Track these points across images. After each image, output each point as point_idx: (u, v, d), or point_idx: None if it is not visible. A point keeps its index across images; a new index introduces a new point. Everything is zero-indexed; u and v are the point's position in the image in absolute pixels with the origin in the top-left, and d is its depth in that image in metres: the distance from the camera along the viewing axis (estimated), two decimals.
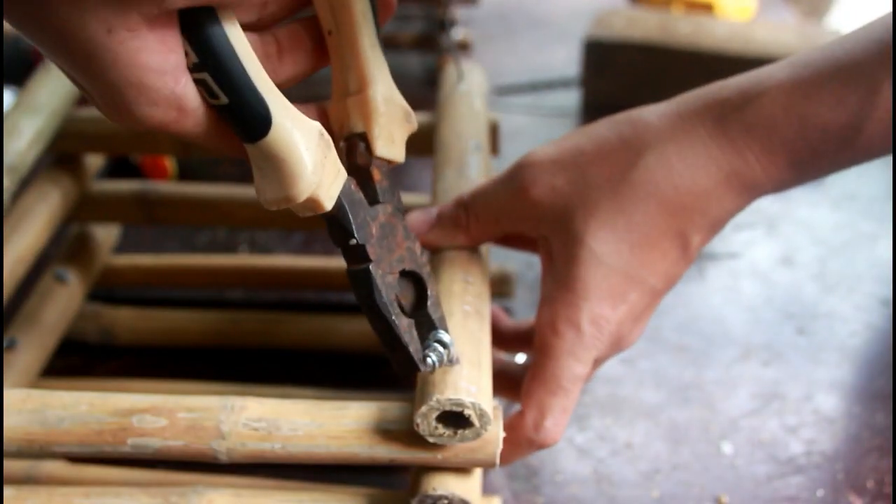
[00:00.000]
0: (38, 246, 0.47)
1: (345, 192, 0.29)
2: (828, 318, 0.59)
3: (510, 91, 0.90)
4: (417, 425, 0.31)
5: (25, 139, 0.45)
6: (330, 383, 0.52)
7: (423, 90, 0.87)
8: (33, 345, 0.48)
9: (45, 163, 0.52)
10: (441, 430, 0.32)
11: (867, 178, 0.74)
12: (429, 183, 0.46)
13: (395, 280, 0.32)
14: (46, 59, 0.27)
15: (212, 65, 0.26)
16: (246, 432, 0.32)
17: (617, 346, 0.39)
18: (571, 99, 0.88)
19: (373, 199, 0.32)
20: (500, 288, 0.58)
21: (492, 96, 0.88)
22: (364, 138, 0.32)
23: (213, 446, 0.32)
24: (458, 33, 0.94)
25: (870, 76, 0.34)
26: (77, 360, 0.54)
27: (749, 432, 0.50)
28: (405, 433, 0.32)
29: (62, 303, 0.51)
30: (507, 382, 0.42)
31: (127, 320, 0.55)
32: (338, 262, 0.58)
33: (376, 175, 0.32)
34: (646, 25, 0.85)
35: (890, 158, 0.37)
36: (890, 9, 0.37)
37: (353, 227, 0.30)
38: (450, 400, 0.31)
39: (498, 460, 0.33)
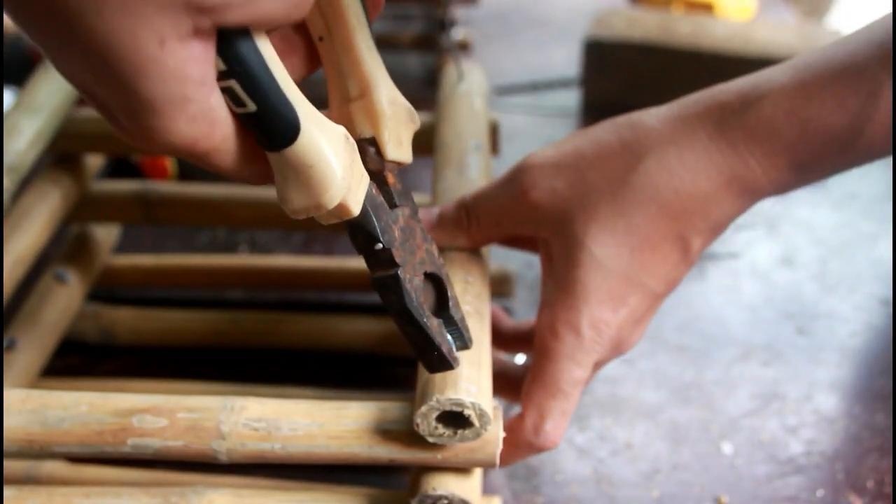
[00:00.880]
0: (38, 246, 0.47)
1: (368, 196, 0.29)
2: (828, 318, 0.59)
3: (510, 91, 0.90)
4: (417, 425, 0.31)
5: (25, 139, 0.45)
6: (330, 383, 0.52)
7: (423, 90, 0.87)
8: (33, 345, 0.48)
9: (45, 163, 0.52)
10: (441, 430, 0.32)
11: (867, 178, 0.74)
12: (429, 183, 0.46)
13: (420, 283, 0.32)
14: (61, 75, 0.26)
15: (240, 72, 0.25)
16: (246, 432, 0.32)
17: (617, 349, 0.39)
18: (571, 99, 0.88)
19: (390, 203, 0.31)
20: (500, 288, 0.58)
21: (492, 96, 0.88)
22: (373, 143, 0.32)
23: (213, 446, 0.32)
24: (458, 33, 0.94)
25: (871, 79, 0.34)
26: (77, 360, 0.54)
27: (749, 432, 0.50)
28: (405, 433, 0.32)
29: (62, 303, 0.51)
30: (507, 383, 0.42)
31: (127, 320, 0.55)
32: (337, 263, 0.58)
33: (390, 179, 0.32)
34: (646, 25, 0.85)
35: (890, 158, 0.37)
36: (890, 9, 0.37)
37: (379, 231, 0.29)
38: (450, 400, 0.31)
39: (498, 460, 0.33)
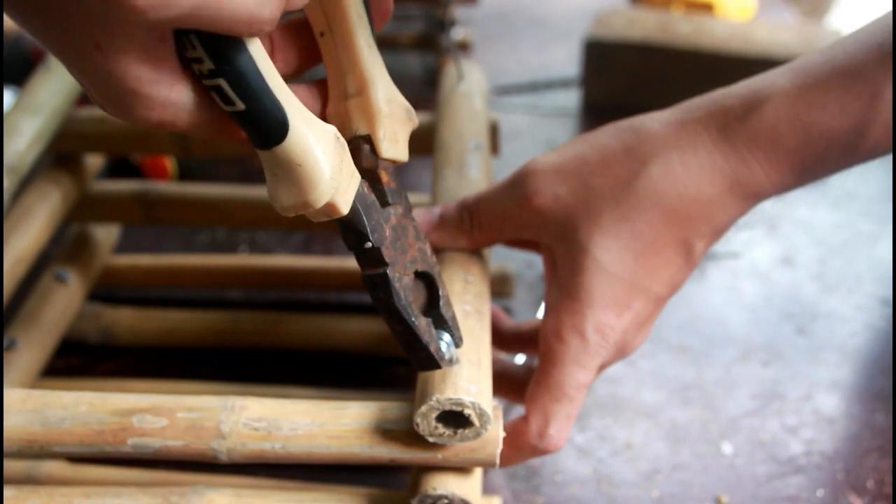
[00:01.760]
0: (38, 246, 0.47)
1: (359, 195, 0.29)
2: (828, 318, 0.59)
3: (510, 91, 0.90)
4: (417, 425, 0.31)
5: (25, 139, 0.45)
6: (329, 383, 0.52)
7: (423, 90, 0.87)
8: (33, 345, 0.48)
9: (45, 163, 0.52)
10: (441, 429, 0.32)
11: (867, 178, 0.74)
12: (429, 183, 0.46)
13: (410, 281, 0.32)
14: (48, 57, 0.27)
15: (229, 71, 0.25)
16: (246, 432, 0.32)
17: (622, 352, 0.39)
18: (571, 99, 0.88)
19: (382, 202, 0.32)
20: (500, 288, 0.58)
21: (492, 96, 0.88)
22: (368, 140, 0.32)
23: (214, 446, 0.32)
24: (458, 33, 0.94)
25: (872, 81, 0.34)
26: (77, 360, 0.54)
27: (749, 432, 0.50)
28: (405, 433, 0.32)
29: (62, 303, 0.51)
30: (507, 383, 0.42)
31: (127, 320, 0.55)
32: (337, 263, 0.58)
33: (384, 177, 0.32)
34: (646, 25, 0.85)
35: (890, 158, 0.37)
36: (888, 9, 0.37)
37: (368, 230, 0.30)
38: (450, 400, 0.31)
39: (498, 460, 0.33)
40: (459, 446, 0.32)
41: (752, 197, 0.37)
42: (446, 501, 0.33)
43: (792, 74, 0.36)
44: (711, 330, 0.58)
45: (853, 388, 0.53)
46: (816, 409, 0.52)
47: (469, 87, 0.51)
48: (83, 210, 0.53)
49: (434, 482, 0.33)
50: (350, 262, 0.57)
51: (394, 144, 0.32)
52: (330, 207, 0.28)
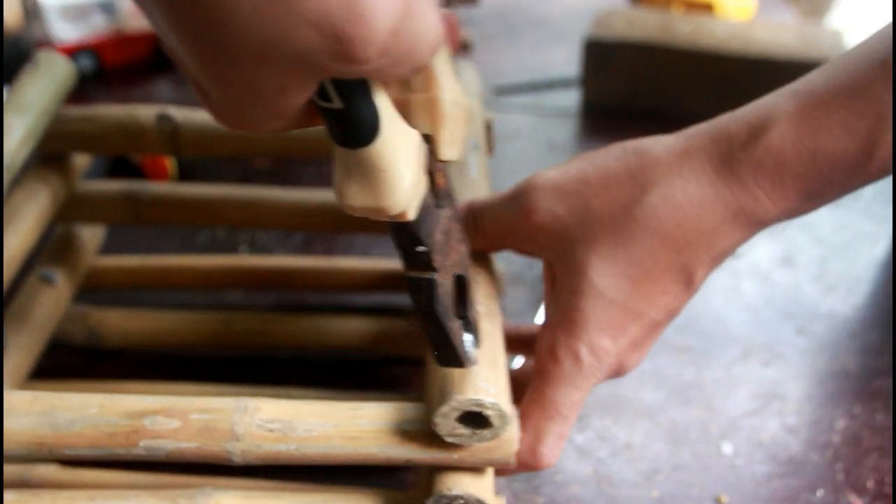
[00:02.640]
0: (28, 246, 0.46)
1: (423, 201, 0.28)
2: (828, 318, 0.59)
3: (510, 91, 0.90)
4: (436, 425, 0.31)
5: (16, 138, 0.45)
6: (327, 384, 0.52)
7: None
8: (21, 346, 0.47)
9: (32, 162, 0.50)
10: (460, 430, 0.32)
11: None
12: None
13: (449, 285, 0.32)
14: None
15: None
16: (261, 433, 0.32)
17: (617, 373, 0.39)
18: (571, 99, 0.88)
19: (436, 205, 0.31)
20: None
21: (492, 96, 0.88)
22: (430, 140, 0.31)
23: (228, 448, 0.32)
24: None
25: (877, 100, 0.34)
26: (62, 362, 0.53)
27: (749, 432, 0.50)
28: (422, 433, 0.32)
29: (50, 304, 0.50)
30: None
31: (115, 322, 0.53)
32: (331, 263, 0.58)
33: (439, 178, 0.31)
34: (646, 25, 0.85)
35: None
36: (888, 16, 0.36)
37: (423, 235, 0.29)
38: (470, 400, 0.31)
39: (514, 460, 0.33)
40: (476, 446, 0.32)
41: (757, 224, 0.37)
42: (462, 502, 0.33)
43: (795, 98, 0.36)
44: (711, 330, 0.58)
45: (853, 387, 0.53)
46: (816, 409, 0.52)
47: (463, 86, 0.50)
48: (71, 210, 0.52)
49: (449, 482, 0.33)
50: (344, 262, 0.57)
51: (452, 147, 0.31)
52: (400, 215, 0.27)
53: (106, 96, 0.90)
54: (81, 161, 0.53)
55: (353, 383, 0.52)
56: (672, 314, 0.39)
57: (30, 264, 0.52)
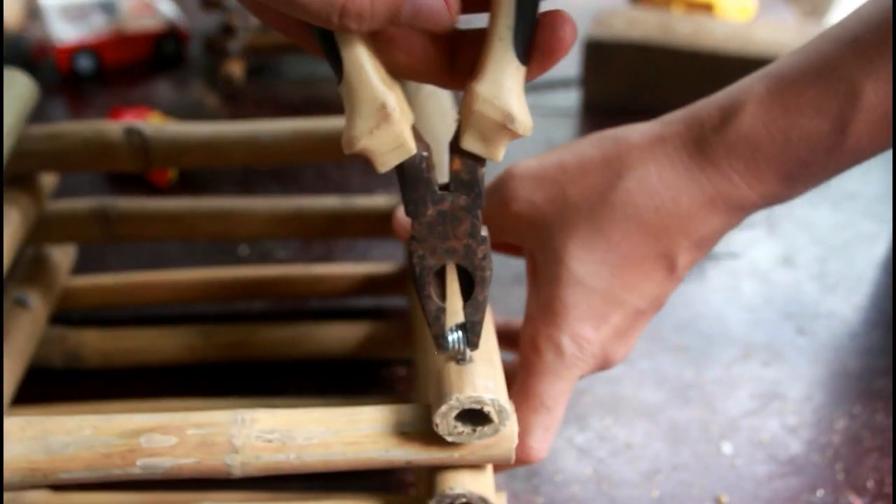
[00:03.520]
0: (4, 270, 0.44)
1: (409, 165, 0.31)
2: (828, 318, 0.59)
3: None
4: (437, 425, 0.31)
5: None
6: (310, 391, 0.51)
7: None
8: (3, 374, 0.45)
9: None
10: (460, 428, 0.32)
11: (867, 178, 0.74)
12: None
13: (435, 265, 0.32)
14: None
15: None
16: (260, 444, 0.32)
17: (603, 364, 0.39)
18: (571, 99, 0.88)
19: (442, 185, 0.32)
20: None
21: None
22: (459, 126, 0.32)
23: (227, 461, 0.32)
24: None
25: (847, 79, 0.34)
26: (41, 386, 0.51)
27: (749, 432, 0.50)
28: (421, 434, 0.32)
29: (27, 328, 0.48)
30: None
31: (94, 342, 0.52)
32: (304, 270, 0.57)
33: (455, 163, 0.32)
34: (646, 25, 0.85)
35: (890, 158, 0.37)
36: (863, 2, 0.36)
37: (405, 198, 0.31)
38: (469, 398, 0.31)
39: (514, 455, 0.33)
40: (476, 444, 0.32)
41: (737, 209, 0.37)
42: (464, 500, 0.33)
43: (766, 80, 0.35)
44: (711, 330, 0.58)
45: (853, 388, 0.53)
46: (816, 409, 0.52)
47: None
48: (39, 231, 0.51)
49: (450, 482, 0.33)
50: (323, 269, 0.57)
51: (478, 141, 0.31)
52: (365, 157, 0.30)
53: (106, 96, 0.90)
54: (48, 180, 0.52)
55: (337, 388, 0.52)
56: (657, 303, 0.38)
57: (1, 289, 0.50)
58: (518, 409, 0.37)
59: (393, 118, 0.30)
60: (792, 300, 0.61)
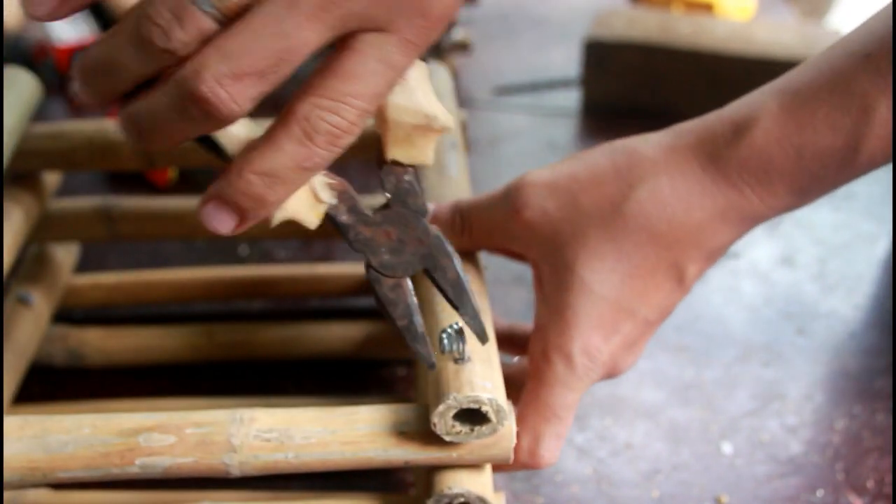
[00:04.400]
0: (7, 268, 0.45)
1: (330, 215, 0.32)
2: (828, 318, 0.59)
3: (510, 91, 0.90)
4: (435, 425, 0.32)
5: None
6: (310, 391, 0.51)
7: None
8: (4, 371, 0.45)
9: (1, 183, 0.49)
10: (458, 427, 0.32)
11: (867, 178, 0.74)
12: None
13: (394, 283, 0.32)
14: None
15: None
16: (258, 444, 0.32)
17: (611, 373, 0.39)
18: (571, 99, 0.88)
19: (384, 204, 0.32)
20: None
21: (492, 96, 0.88)
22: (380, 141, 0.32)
23: (225, 460, 0.32)
24: (457, 33, 0.94)
25: (861, 95, 0.34)
26: (41, 385, 0.51)
27: (749, 432, 0.50)
28: (419, 433, 0.32)
29: (29, 326, 0.49)
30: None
31: (96, 340, 0.52)
32: (307, 270, 0.57)
33: (388, 178, 0.32)
34: (646, 25, 0.85)
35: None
36: (873, 11, 0.36)
37: (348, 240, 0.32)
38: (467, 398, 0.31)
39: (512, 455, 0.33)
40: (475, 444, 0.32)
41: (748, 221, 0.37)
42: (462, 500, 0.33)
43: (780, 95, 0.36)
44: (711, 330, 0.58)
45: (853, 388, 0.53)
46: (816, 409, 0.52)
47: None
48: (43, 229, 0.51)
49: (448, 481, 0.33)
50: (324, 268, 0.57)
51: (405, 149, 0.32)
52: (297, 222, 0.31)
53: None
54: (52, 179, 0.52)
55: (339, 388, 0.52)
56: (665, 313, 0.39)
57: (4, 287, 0.49)
58: (529, 419, 0.37)
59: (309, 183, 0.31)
60: (792, 300, 0.61)
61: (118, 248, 0.64)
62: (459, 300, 0.33)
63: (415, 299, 0.33)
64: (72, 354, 0.52)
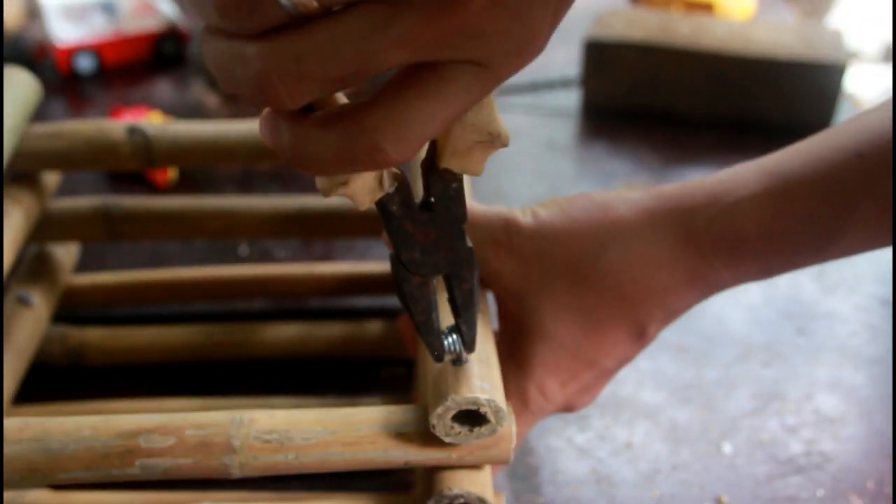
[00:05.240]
0: (7, 268, 0.44)
1: (382, 202, 0.31)
2: (828, 318, 0.59)
3: (510, 91, 0.90)
4: (434, 426, 0.32)
5: None
6: (309, 391, 0.51)
7: None
8: (5, 372, 0.45)
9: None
10: (457, 429, 0.32)
11: None
12: None
13: (420, 280, 0.32)
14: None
15: None
16: (258, 445, 0.32)
17: (565, 410, 0.40)
18: (571, 99, 0.88)
19: (426, 203, 0.32)
20: None
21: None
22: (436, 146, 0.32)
23: (226, 461, 0.32)
24: None
25: (846, 193, 0.34)
26: (42, 385, 0.51)
27: (749, 432, 0.50)
28: (419, 434, 0.32)
29: (29, 326, 0.48)
30: None
31: (95, 340, 0.52)
32: (306, 269, 0.57)
33: (434, 183, 0.32)
34: (646, 25, 0.85)
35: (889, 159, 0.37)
36: (867, 108, 0.37)
37: (389, 230, 0.32)
38: (466, 399, 0.31)
39: (511, 456, 0.33)
40: (474, 444, 0.33)
41: (713, 288, 0.38)
42: (462, 500, 0.33)
43: (765, 178, 0.36)
44: (711, 330, 0.58)
45: (853, 388, 0.53)
46: (816, 409, 0.52)
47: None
48: (43, 229, 0.51)
49: (448, 482, 0.33)
50: (324, 268, 0.57)
51: (459, 160, 0.31)
52: (349, 200, 0.30)
53: (106, 96, 0.90)
54: (51, 179, 0.52)
55: (339, 388, 0.52)
56: (623, 363, 0.40)
57: (4, 287, 0.49)
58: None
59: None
60: (792, 300, 0.61)
61: (118, 247, 0.64)
62: (465, 310, 0.33)
63: (436, 297, 0.33)
64: (72, 354, 0.52)
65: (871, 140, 0.34)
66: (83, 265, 0.59)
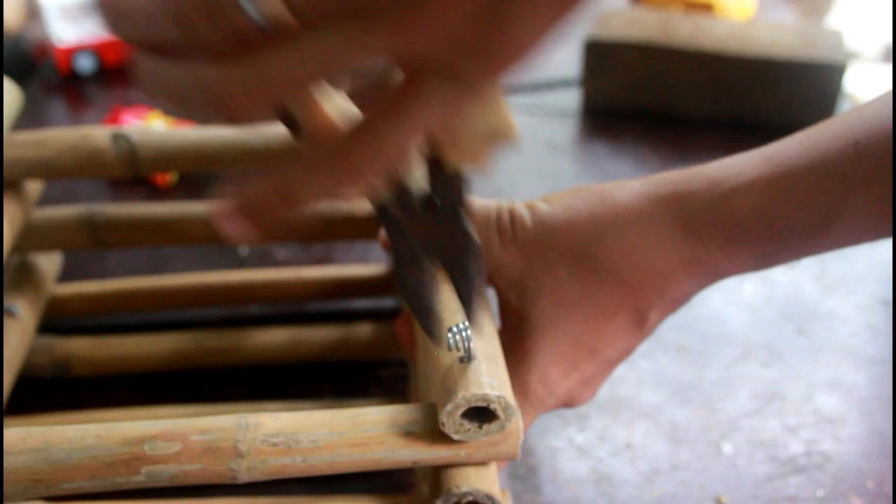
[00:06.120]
0: None
1: (381, 204, 0.32)
2: (828, 318, 0.59)
3: (510, 91, 0.90)
4: (443, 424, 0.32)
5: None
6: (309, 394, 0.51)
7: None
8: None
9: None
10: (467, 426, 0.32)
11: None
12: None
13: (425, 273, 0.33)
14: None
15: None
16: (265, 448, 0.32)
17: (567, 404, 0.40)
18: (571, 99, 0.88)
19: (428, 196, 0.33)
20: None
21: None
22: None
23: (233, 466, 0.32)
24: None
25: (842, 181, 0.35)
26: (28, 396, 0.50)
27: (749, 432, 0.50)
28: (427, 433, 0.32)
29: (15, 338, 0.47)
30: None
31: (82, 350, 0.51)
32: (294, 273, 0.57)
33: (438, 175, 0.32)
34: (646, 25, 0.85)
35: (889, 159, 0.37)
36: (865, 100, 0.37)
37: (385, 224, 0.32)
38: (476, 396, 0.31)
39: (519, 452, 0.33)
40: (482, 441, 0.33)
41: (711, 275, 0.38)
42: (471, 499, 0.33)
43: (763, 165, 0.37)
44: (711, 330, 0.58)
45: (853, 388, 0.53)
46: (816, 409, 0.52)
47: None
48: (26, 238, 0.50)
49: (455, 480, 0.33)
50: (324, 270, 0.57)
51: (465, 155, 0.32)
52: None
53: (106, 96, 0.90)
54: (34, 187, 0.51)
55: (339, 389, 0.52)
56: (624, 354, 0.40)
57: None
58: None
59: None
60: (792, 300, 0.61)
61: (114, 251, 0.64)
62: (469, 298, 0.33)
63: (438, 288, 0.33)
64: (58, 365, 0.51)
65: (868, 130, 0.35)
66: (83, 266, 0.58)
